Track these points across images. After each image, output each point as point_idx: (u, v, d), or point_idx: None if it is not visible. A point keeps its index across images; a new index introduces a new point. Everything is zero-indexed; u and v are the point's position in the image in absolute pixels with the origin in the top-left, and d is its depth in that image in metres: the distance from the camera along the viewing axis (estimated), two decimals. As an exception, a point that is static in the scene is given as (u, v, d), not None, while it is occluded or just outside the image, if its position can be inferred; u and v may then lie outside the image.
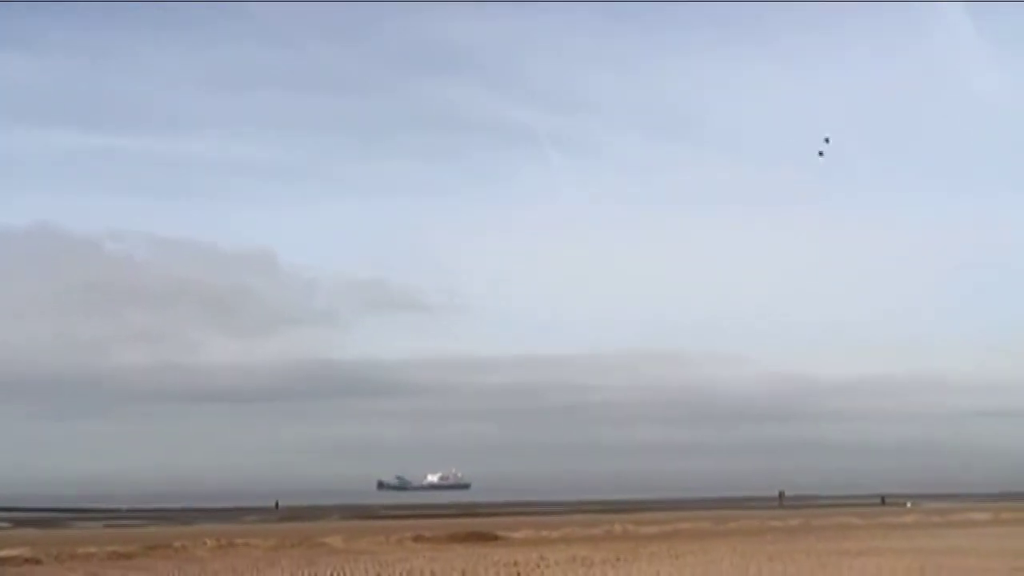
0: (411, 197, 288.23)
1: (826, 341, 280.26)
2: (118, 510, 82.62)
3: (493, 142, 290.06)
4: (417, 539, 39.88)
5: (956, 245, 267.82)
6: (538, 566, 27.77)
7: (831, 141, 71.30)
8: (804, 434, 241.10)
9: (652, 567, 27.10)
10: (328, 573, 26.08)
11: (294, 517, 68.45)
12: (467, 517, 64.28)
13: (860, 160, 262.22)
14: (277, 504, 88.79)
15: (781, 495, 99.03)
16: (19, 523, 62.44)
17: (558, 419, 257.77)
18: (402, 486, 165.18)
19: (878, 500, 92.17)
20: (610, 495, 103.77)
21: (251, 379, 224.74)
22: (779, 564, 27.52)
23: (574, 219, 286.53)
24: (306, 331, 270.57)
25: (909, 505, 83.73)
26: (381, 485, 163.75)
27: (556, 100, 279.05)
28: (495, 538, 41.57)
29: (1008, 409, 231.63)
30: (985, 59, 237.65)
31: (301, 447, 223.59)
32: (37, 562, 30.57)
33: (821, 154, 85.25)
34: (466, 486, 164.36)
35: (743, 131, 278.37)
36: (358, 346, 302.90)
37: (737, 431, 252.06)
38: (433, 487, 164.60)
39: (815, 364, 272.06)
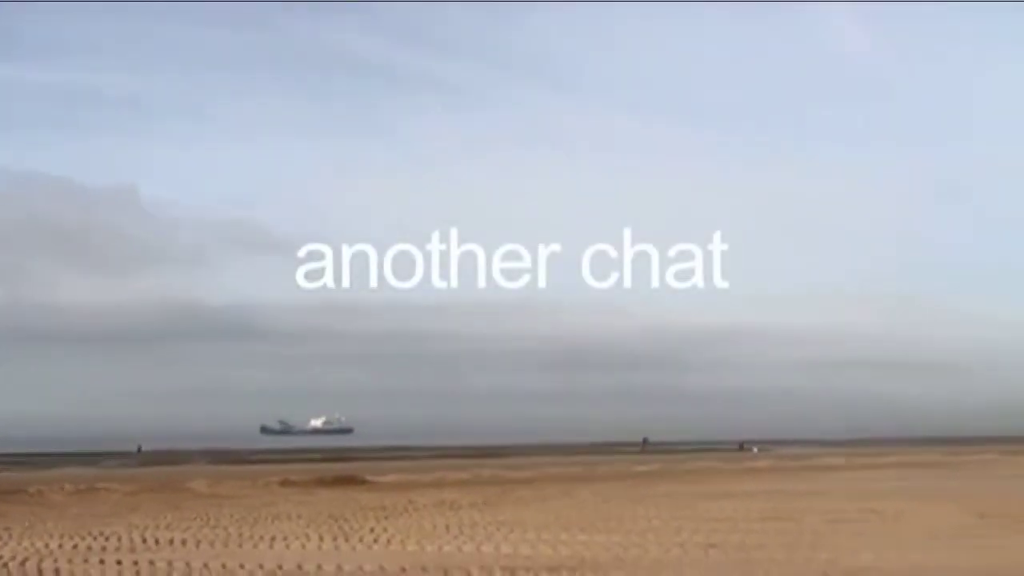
0: (283, 137, 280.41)
1: (694, 292, 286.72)
2: (-31, 455, 79.54)
3: (367, 83, 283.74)
4: (284, 483, 39.59)
5: (825, 197, 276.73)
6: (406, 510, 27.91)
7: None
8: (669, 382, 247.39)
9: (518, 510, 27.52)
10: (192, 518, 25.64)
11: (157, 462, 66.97)
12: (338, 461, 64.09)
13: (735, 115, 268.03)
14: (139, 448, 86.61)
15: (645, 441, 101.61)
16: None
17: (437, 366, 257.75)
18: (286, 430, 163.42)
19: (737, 446, 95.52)
20: (483, 440, 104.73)
21: (113, 320, 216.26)
22: (641, 507, 28.27)
23: (448, 163, 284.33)
24: (172, 271, 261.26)
25: (756, 451, 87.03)
26: (264, 430, 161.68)
27: (431, 42, 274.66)
28: (364, 482, 41.58)
29: (864, 359, 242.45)
30: (858, 20, 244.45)
31: (173, 391, 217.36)
32: None
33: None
34: (349, 431, 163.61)
35: (617, 82, 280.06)
36: (228, 288, 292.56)
37: (606, 379, 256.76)
38: (317, 432, 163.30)
39: (682, 314, 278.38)
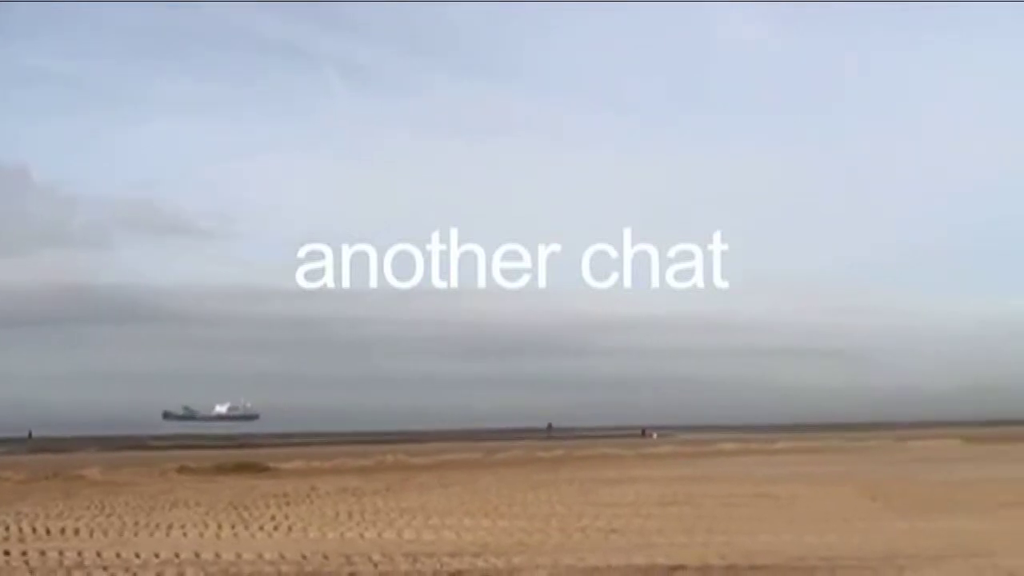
0: (183, 116, 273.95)
1: (599, 281, 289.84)
2: None
3: (272, 62, 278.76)
4: (182, 470, 38.79)
5: (730, 185, 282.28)
6: (308, 496, 27.60)
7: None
8: (574, 369, 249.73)
9: (421, 496, 27.46)
10: (85, 506, 24.93)
11: (49, 449, 65.01)
12: (241, 448, 63.15)
13: (649, 101, 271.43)
14: (30, 434, 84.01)
15: (549, 427, 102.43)
16: None
17: (344, 352, 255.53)
18: (189, 416, 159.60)
19: (639, 432, 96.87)
20: (388, 427, 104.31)
21: (5, 302, 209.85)
22: (543, 492, 28.45)
23: (356, 146, 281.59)
24: (66, 253, 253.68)
25: (655, 436, 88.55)
26: (167, 416, 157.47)
27: (346, 25, 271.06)
28: (266, 469, 41.00)
29: (760, 346, 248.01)
30: (755, 12, 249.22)
31: (70, 375, 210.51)
32: None
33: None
34: (255, 417, 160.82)
35: (538, 66, 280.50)
36: (129, 270, 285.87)
37: (510, 365, 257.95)
38: (221, 418, 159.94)
39: (588, 300, 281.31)
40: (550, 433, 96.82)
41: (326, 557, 16.13)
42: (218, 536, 19.01)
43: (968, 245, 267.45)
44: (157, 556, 16.26)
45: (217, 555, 16.36)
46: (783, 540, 17.60)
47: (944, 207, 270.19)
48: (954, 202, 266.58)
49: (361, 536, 18.92)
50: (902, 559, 15.23)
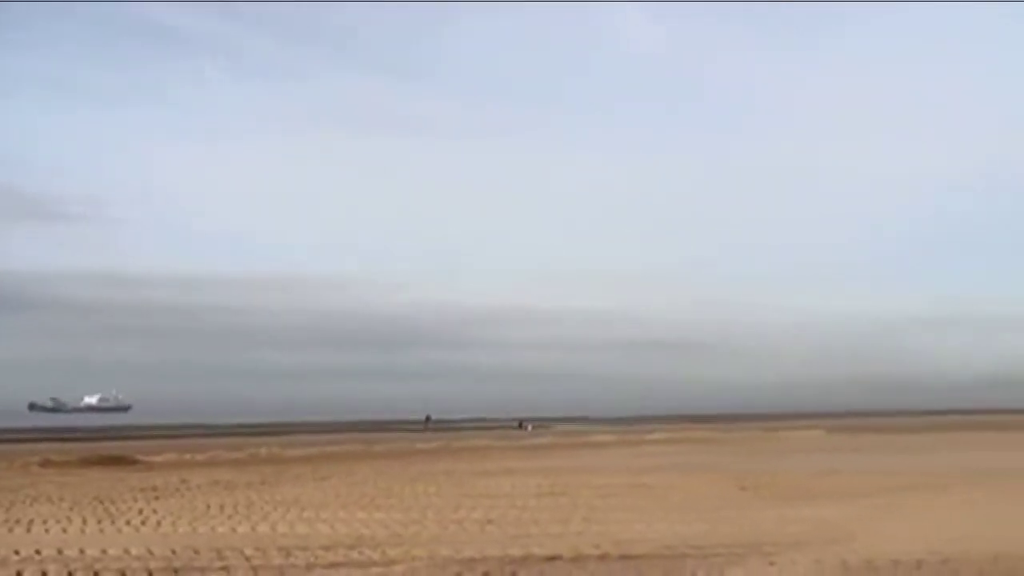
0: (51, 99, 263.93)
1: (481, 270, 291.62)
2: None
3: (147, 45, 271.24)
4: (45, 464, 37.32)
5: (608, 182, 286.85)
6: (178, 490, 26.90)
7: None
8: (454, 359, 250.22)
9: (296, 489, 27.06)
10: (-61, 502, 23.77)
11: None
12: (109, 440, 61.15)
13: (532, 100, 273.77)
14: None
15: (428, 419, 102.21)
16: None
17: (218, 341, 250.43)
18: (57, 408, 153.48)
19: (516, 424, 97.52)
20: (264, 418, 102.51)
21: None
22: (421, 484, 28.37)
23: (232, 134, 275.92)
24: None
25: (530, 428, 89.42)
26: (33, 407, 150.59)
27: (225, 11, 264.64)
28: (135, 462, 39.75)
29: (634, 341, 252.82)
30: (647, 19, 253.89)
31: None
32: None
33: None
34: (127, 408, 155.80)
35: (444, 64, 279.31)
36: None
37: (390, 356, 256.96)
38: (91, 409, 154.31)
39: (467, 292, 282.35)
40: (428, 425, 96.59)
41: (196, 552, 15.75)
42: (83, 531, 18.37)
43: (835, 244, 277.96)
44: (17, 553, 15.61)
45: (81, 551, 15.81)
46: (656, 529, 17.94)
47: (816, 207, 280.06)
48: (829, 202, 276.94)
49: (233, 530, 18.53)
50: (769, 546, 15.70)
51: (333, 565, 14.63)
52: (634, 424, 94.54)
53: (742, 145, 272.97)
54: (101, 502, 23.51)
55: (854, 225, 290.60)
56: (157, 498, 24.59)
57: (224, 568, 14.43)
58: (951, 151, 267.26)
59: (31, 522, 19.61)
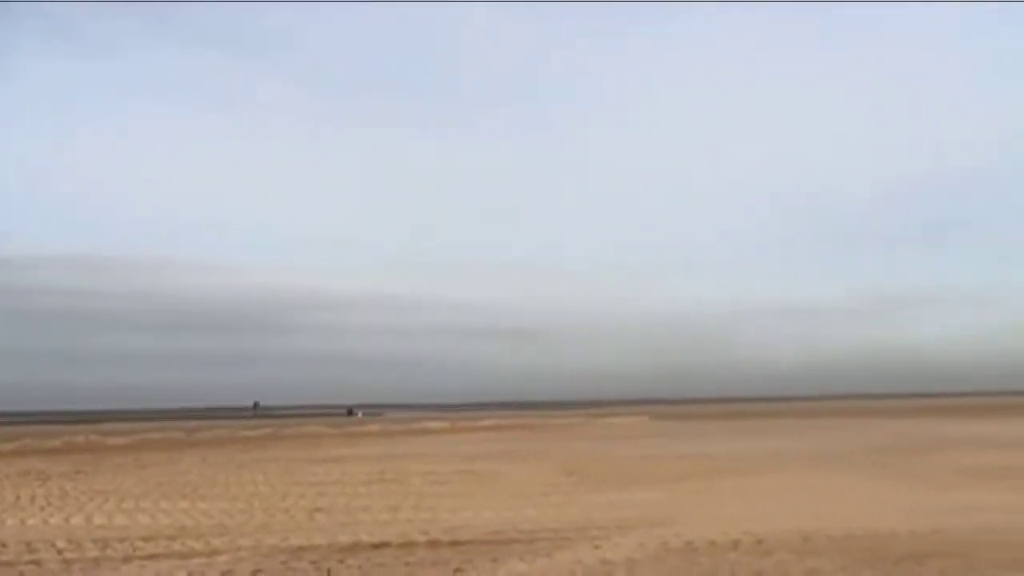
0: None
1: (312, 255, 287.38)
2: None
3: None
4: None
5: (458, 175, 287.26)
6: (-16, 481, 25.52)
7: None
8: (283, 346, 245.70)
9: (115, 479, 26.07)
10: None
11: None
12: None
13: (378, 96, 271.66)
14: None
15: (256, 405, 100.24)
16: None
17: (29, 323, 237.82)
18: None
19: (346, 411, 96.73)
20: (81, 405, 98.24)
21: None
22: (248, 473, 27.79)
23: (52, 107, 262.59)
24: None
25: (360, 415, 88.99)
26: None
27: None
28: (-65, 452, 37.53)
29: (461, 327, 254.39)
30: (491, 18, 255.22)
31: None
32: None
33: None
34: None
35: (262, 47, 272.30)
36: None
37: (216, 341, 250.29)
38: None
39: (298, 277, 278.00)
40: (257, 412, 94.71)
41: (4, 545, 14.95)
42: None
43: (672, 239, 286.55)
44: None
45: None
46: (484, 515, 18.09)
47: (656, 203, 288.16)
48: (671, 198, 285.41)
49: (45, 522, 17.69)
50: (594, 530, 16.04)
51: (153, 556, 14.13)
52: (465, 411, 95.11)
53: (578, 139, 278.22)
54: (-103, 494, 22.08)
55: (691, 221, 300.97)
56: (-39, 490, 23.26)
57: (34, 562, 13.73)
58: (784, 155, 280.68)
59: None
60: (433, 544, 14.91)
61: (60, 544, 15.02)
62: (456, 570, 12.86)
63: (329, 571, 12.92)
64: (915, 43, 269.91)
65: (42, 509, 19.44)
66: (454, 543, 14.96)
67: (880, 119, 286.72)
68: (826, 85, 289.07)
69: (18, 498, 21.30)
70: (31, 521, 17.82)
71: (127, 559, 13.99)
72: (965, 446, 34.47)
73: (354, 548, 14.62)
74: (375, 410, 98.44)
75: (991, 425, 51.08)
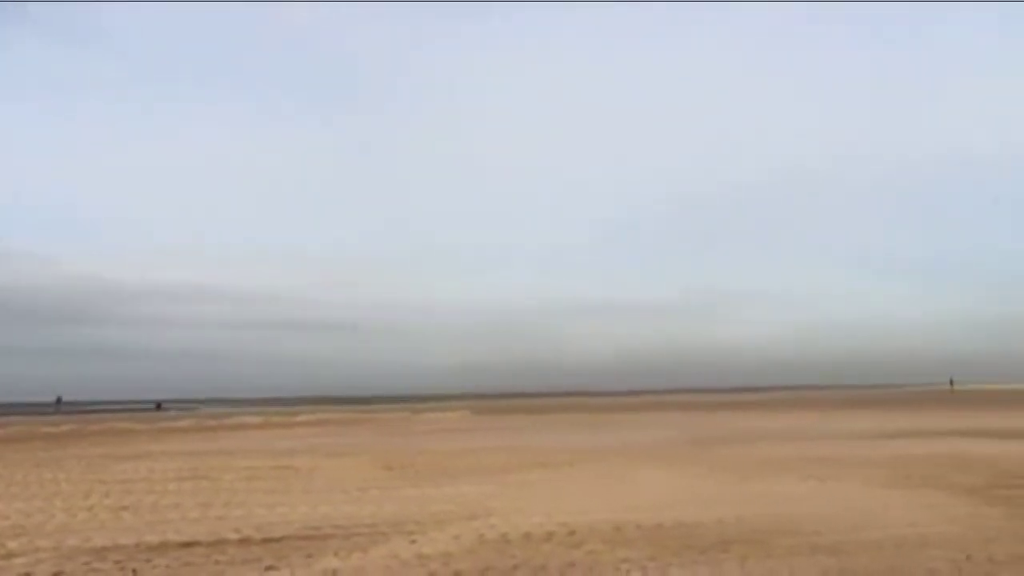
0: None
1: (121, 244, 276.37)
2: None
3: None
4: None
5: (284, 165, 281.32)
6: None
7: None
8: (89, 339, 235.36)
9: (-102, 479, 24.37)
10: None
11: None
12: None
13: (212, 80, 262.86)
14: None
15: (58, 400, 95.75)
16: None
17: None
18: None
19: (154, 406, 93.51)
20: None
21: None
22: (48, 471, 26.50)
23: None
24: None
25: (172, 412, 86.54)
26: None
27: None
28: None
29: (272, 321, 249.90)
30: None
31: None
32: None
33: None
34: None
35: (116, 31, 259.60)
36: None
37: (16, 333, 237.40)
38: None
39: (106, 266, 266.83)
40: (59, 407, 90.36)
41: None
42: None
43: (503, 236, 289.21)
44: None
45: None
46: (300, 511, 17.84)
47: (491, 200, 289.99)
48: (506, 196, 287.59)
49: None
50: (411, 524, 16.07)
51: (-60, 561, 13.31)
52: (284, 406, 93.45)
53: (413, 131, 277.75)
54: None
55: (523, 217, 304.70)
56: None
57: None
58: (628, 156, 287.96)
59: None
60: (245, 541, 14.60)
61: None
62: (268, 567, 12.65)
63: (135, 571, 12.48)
64: (750, 43, 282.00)
65: None
66: (267, 540, 14.70)
67: (724, 123, 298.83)
68: (676, 85, 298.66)
69: None
70: None
71: (-90, 564, 13.13)
72: (772, 438, 36.20)
73: (161, 547, 14.17)
74: (188, 405, 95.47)
75: (799, 419, 53.89)
